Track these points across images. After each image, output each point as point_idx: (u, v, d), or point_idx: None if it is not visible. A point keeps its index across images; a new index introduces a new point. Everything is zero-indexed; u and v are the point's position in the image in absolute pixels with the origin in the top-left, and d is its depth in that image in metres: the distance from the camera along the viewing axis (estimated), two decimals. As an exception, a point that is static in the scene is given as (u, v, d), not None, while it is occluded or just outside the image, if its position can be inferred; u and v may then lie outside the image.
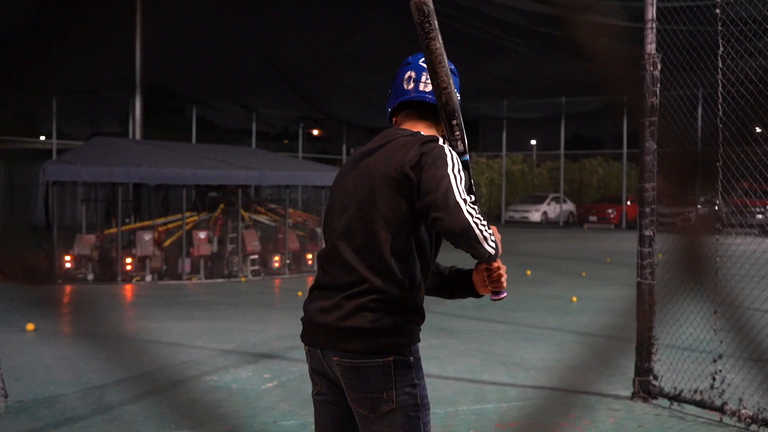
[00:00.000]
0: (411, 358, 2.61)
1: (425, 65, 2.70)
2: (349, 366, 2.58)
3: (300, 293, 12.32)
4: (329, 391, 2.69)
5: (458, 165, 2.54)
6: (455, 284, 2.87)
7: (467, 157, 2.68)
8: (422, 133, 2.70)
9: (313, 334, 2.66)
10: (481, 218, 2.47)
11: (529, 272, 15.64)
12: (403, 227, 2.58)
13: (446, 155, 2.54)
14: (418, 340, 2.66)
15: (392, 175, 2.56)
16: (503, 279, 2.69)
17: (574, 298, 12.12)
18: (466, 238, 2.43)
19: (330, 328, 2.60)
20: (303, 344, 2.73)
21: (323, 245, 2.77)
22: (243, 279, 14.63)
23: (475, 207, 2.49)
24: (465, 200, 2.45)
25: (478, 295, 2.80)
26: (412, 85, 2.79)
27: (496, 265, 2.65)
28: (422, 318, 2.69)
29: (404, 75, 2.82)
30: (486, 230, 2.48)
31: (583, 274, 15.57)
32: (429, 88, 2.73)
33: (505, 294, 2.72)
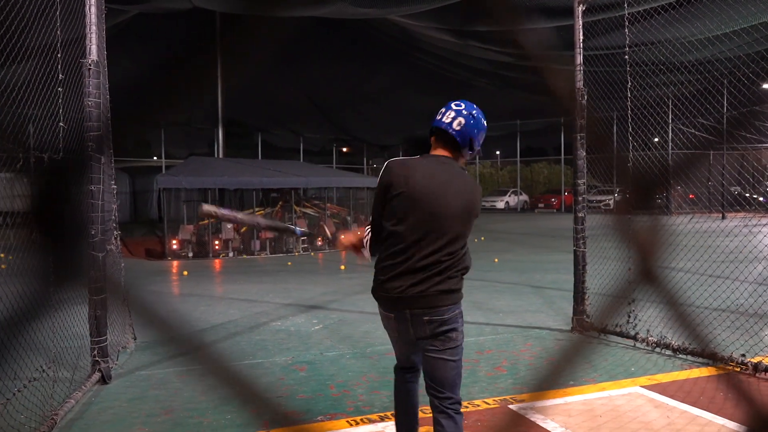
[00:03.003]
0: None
1: (453, 106, 2.84)
2: None
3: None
4: None
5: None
6: None
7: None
8: (466, 171, 2.87)
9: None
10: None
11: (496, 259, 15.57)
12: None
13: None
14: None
15: (471, 207, 2.81)
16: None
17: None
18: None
19: None
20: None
21: (369, 231, 2.89)
22: (296, 253, 14.66)
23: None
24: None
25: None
26: (439, 117, 2.83)
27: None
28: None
29: (439, 111, 2.87)
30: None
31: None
32: (447, 120, 2.79)
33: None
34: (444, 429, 2.72)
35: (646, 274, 0.81)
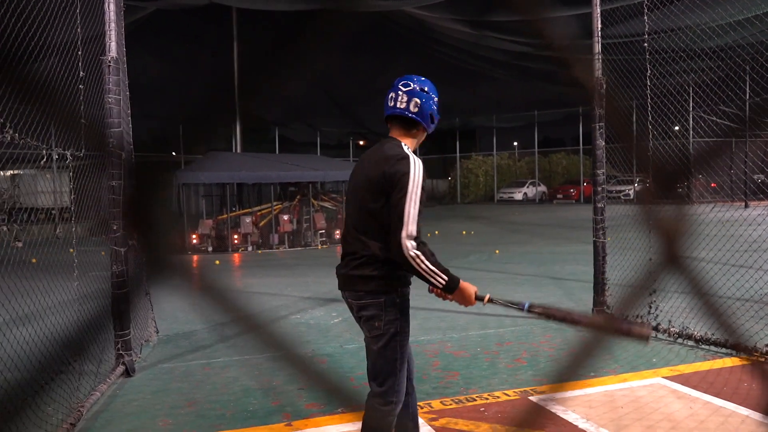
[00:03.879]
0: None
1: (402, 87, 2.67)
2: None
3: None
4: None
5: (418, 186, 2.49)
6: None
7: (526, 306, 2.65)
8: (402, 143, 2.63)
9: None
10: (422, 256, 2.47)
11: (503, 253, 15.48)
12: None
13: (408, 180, 2.48)
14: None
15: (375, 179, 2.55)
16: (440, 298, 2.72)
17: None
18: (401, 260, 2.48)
19: None
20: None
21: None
22: (320, 247, 14.71)
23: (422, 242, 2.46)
24: (411, 234, 2.43)
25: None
26: (392, 104, 2.68)
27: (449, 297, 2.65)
28: None
29: (388, 95, 2.71)
30: (424, 264, 2.47)
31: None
32: (402, 105, 2.65)
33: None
34: (363, 419, 2.67)
35: (671, 259, 0.80)
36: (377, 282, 2.57)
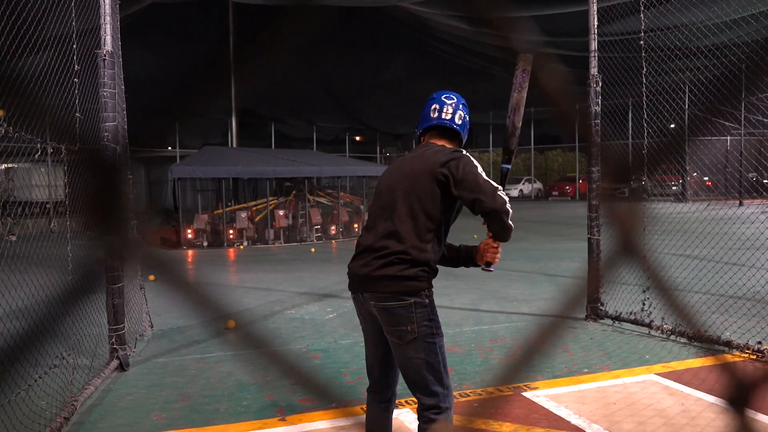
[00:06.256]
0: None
1: (446, 100, 2.75)
2: None
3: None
4: None
5: (480, 167, 2.57)
6: (461, 256, 2.85)
7: (509, 167, 2.81)
8: (446, 146, 2.69)
9: None
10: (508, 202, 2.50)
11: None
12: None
13: (471, 161, 2.55)
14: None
15: (431, 169, 2.54)
16: (497, 257, 2.70)
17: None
18: (499, 214, 2.46)
19: None
20: None
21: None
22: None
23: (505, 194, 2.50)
24: (497, 187, 2.47)
25: (475, 265, 2.79)
26: (436, 114, 2.74)
27: (497, 244, 2.68)
28: None
29: (431, 107, 2.77)
30: (510, 210, 2.51)
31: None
32: (448, 116, 2.73)
33: (494, 269, 2.72)
34: None
35: (627, 250, 0.82)
36: (406, 283, 2.46)
